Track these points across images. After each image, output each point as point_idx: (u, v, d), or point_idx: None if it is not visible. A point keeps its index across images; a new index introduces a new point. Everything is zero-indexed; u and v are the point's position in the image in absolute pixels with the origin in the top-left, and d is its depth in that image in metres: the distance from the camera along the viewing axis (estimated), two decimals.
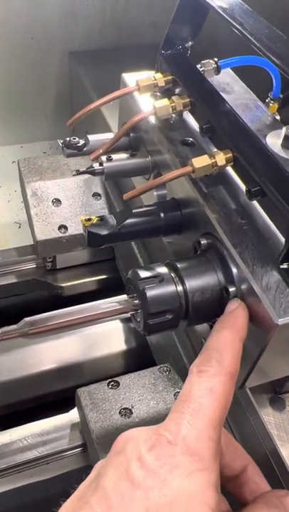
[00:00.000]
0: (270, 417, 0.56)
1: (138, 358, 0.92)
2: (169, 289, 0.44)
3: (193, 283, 0.45)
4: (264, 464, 0.56)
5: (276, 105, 0.65)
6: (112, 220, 0.52)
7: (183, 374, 0.71)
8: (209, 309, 0.46)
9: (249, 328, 0.44)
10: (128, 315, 0.46)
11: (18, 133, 1.35)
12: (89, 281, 1.02)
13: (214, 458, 0.34)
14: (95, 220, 0.52)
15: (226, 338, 0.40)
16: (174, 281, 0.45)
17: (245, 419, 0.59)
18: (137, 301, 0.45)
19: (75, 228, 0.89)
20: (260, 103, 0.62)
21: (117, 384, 0.71)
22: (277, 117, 0.66)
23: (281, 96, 0.65)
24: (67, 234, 0.89)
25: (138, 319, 0.46)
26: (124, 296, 0.46)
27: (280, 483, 0.54)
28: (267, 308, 0.40)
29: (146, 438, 0.34)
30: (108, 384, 0.71)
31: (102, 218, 0.52)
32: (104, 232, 0.51)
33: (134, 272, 0.45)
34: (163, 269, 0.46)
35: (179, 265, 0.46)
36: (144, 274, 0.45)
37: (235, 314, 0.42)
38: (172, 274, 0.45)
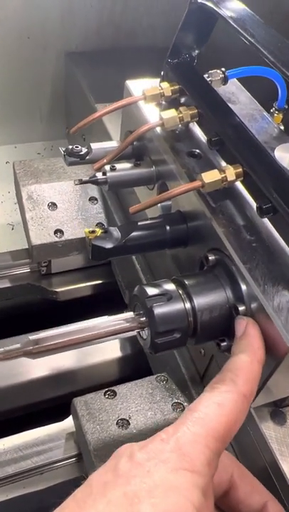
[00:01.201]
0: (270, 431, 0.56)
1: (133, 365, 0.91)
2: (178, 307, 0.43)
3: (201, 300, 0.44)
4: (264, 478, 0.55)
5: (280, 116, 0.65)
6: (116, 233, 0.51)
7: (181, 384, 0.70)
8: (218, 327, 0.45)
9: None
10: (134, 332, 0.45)
11: (13, 133, 1.33)
12: (84, 286, 1.01)
13: (207, 465, 0.33)
14: (99, 232, 0.51)
15: (243, 360, 0.40)
16: (182, 299, 0.44)
17: (246, 433, 0.58)
18: (143, 319, 0.44)
19: (71, 233, 0.88)
20: (266, 113, 0.61)
21: (114, 393, 0.70)
22: (282, 127, 0.65)
23: (286, 106, 0.64)
24: (63, 238, 0.88)
25: (144, 337, 0.45)
26: (130, 314, 0.44)
27: (281, 498, 0.53)
28: (280, 330, 0.40)
29: (140, 442, 0.35)
30: (105, 393, 0.70)
31: (106, 231, 0.51)
32: (108, 245, 0.50)
33: (141, 289, 0.44)
34: (170, 286, 0.45)
35: (186, 282, 0.45)
36: (151, 291, 0.44)
37: (250, 336, 0.41)
38: (180, 291, 0.45)
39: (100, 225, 0.91)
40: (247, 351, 0.40)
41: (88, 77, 1.14)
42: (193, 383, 0.70)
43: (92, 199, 0.93)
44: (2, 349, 0.40)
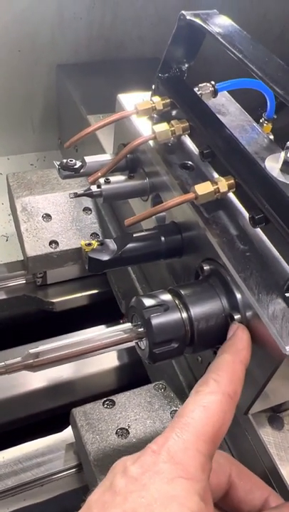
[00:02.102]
0: (269, 436, 0.56)
1: (131, 373, 0.92)
2: (175, 317, 0.44)
3: (197, 310, 0.45)
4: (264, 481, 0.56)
5: (270, 125, 0.66)
6: (112, 245, 0.52)
7: (178, 391, 0.71)
8: (214, 336, 0.46)
9: (255, 356, 0.45)
10: (132, 343, 0.45)
11: (5, 145, 1.33)
12: (80, 296, 1.01)
13: (201, 470, 0.33)
14: (95, 244, 0.51)
15: (225, 359, 0.40)
16: (178, 309, 0.45)
17: (244, 438, 0.59)
18: (141, 330, 0.45)
19: (66, 243, 0.89)
20: (256, 124, 0.63)
21: (113, 403, 0.70)
22: (271, 137, 0.67)
23: (275, 116, 0.65)
24: (58, 249, 0.88)
25: (142, 347, 0.46)
26: (128, 325, 0.45)
27: None
28: (274, 338, 0.41)
29: (133, 455, 0.35)
30: (103, 403, 0.70)
31: (102, 243, 0.52)
32: (105, 257, 0.51)
33: (139, 300, 0.45)
34: (167, 297, 0.45)
35: (182, 292, 0.46)
36: (148, 302, 0.44)
37: (234, 337, 0.42)
38: (176, 301, 0.45)
39: (94, 235, 0.92)
40: (229, 351, 0.41)
41: (79, 88, 1.15)
42: (190, 390, 0.71)
43: (86, 209, 0.94)
44: (3, 363, 0.41)
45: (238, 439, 0.61)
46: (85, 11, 1.16)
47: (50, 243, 0.88)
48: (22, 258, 0.91)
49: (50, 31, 1.17)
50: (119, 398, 0.70)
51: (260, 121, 0.66)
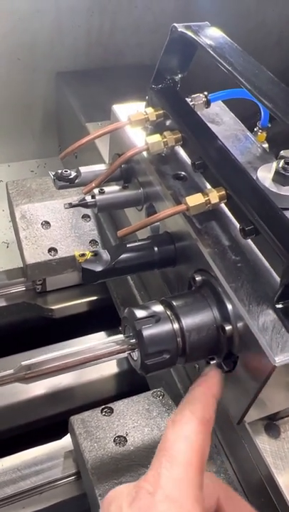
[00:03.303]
0: (265, 445, 0.56)
1: (130, 380, 0.92)
2: (166, 328, 0.44)
3: (189, 321, 0.45)
4: (260, 491, 0.56)
5: (264, 134, 0.66)
6: (106, 256, 0.52)
7: (177, 399, 0.71)
8: (206, 346, 0.46)
9: (247, 367, 0.45)
10: (125, 354, 0.46)
11: (5, 152, 1.34)
12: (79, 302, 1.01)
13: (196, 502, 0.34)
14: (89, 255, 0.52)
15: (198, 391, 0.42)
16: (170, 320, 0.45)
17: (241, 447, 0.59)
18: (133, 341, 0.45)
19: (65, 251, 0.89)
20: (249, 134, 0.63)
21: (111, 410, 0.70)
22: (265, 145, 0.67)
23: (269, 125, 0.66)
24: (57, 256, 0.89)
25: (135, 358, 0.46)
26: (120, 336, 0.46)
27: (277, 511, 0.54)
28: (264, 349, 0.41)
29: (128, 493, 0.35)
30: (102, 411, 0.70)
31: (96, 253, 0.52)
32: (98, 268, 0.51)
33: (130, 312, 0.45)
34: (159, 308, 0.46)
35: (174, 303, 0.46)
36: (140, 313, 0.45)
37: (208, 374, 0.45)
38: (168, 312, 0.46)
39: (93, 242, 0.92)
40: (203, 385, 0.43)
41: (78, 96, 1.16)
42: None
43: (84, 217, 0.94)
44: None
45: (234, 447, 0.61)
46: (84, 19, 1.17)
47: (49, 250, 0.89)
48: (22, 265, 0.91)
49: (49, 39, 1.18)
50: (118, 406, 0.70)
51: (255, 129, 0.66)
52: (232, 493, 0.43)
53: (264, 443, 0.56)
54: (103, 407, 0.70)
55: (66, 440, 0.74)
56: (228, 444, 0.63)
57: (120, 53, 1.25)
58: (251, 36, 1.28)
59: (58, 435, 0.76)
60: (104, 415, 0.70)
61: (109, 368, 0.93)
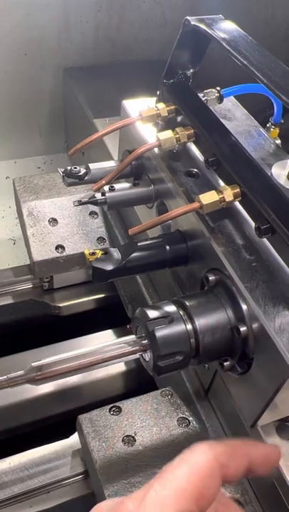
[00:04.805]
0: None
1: (138, 379, 0.91)
2: (179, 329, 0.43)
3: (203, 322, 0.44)
4: (271, 493, 0.55)
5: (277, 130, 0.65)
6: (116, 254, 0.51)
7: (185, 398, 0.70)
8: (220, 348, 0.45)
9: (262, 369, 0.44)
10: (137, 355, 0.45)
11: (12, 148, 1.34)
12: (87, 300, 1.01)
13: None
14: (99, 254, 0.51)
15: (240, 442, 0.39)
16: (183, 321, 0.44)
17: None
18: (145, 342, 0.44)
19: (72, 248, 0.88)
20: (262, 129, 0.62)
21: (119, 410, 0.69)
22: (278, 141, 0.66)
23: (282, 121, 0.64)
24: (64, 254, 0.88)
25: (147, 359, 0.45)
26: (132, 337, 0.45)
27: None
28: (281, 352, 0.40)
29: (111, 506, 0.33)
30: (110, 410, 0.69)
31: (106, 252, 0.51)
32: (109, 267, 0.50)
33: (143, 312, 0.44)
34: (172, 308, 0.45)
35: (187, 303, 0.45)
36: (152, 314, 0.44)
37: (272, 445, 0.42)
38: (181, 313, 0.45)
39: (100, 239, 0.91)
40: (251, 444, 0.42)
41: (86, 92, 1.15)
42: (198, 397, 0.70)
43: (92, 213, 0.93)
44: (5, 377, 0.40)
45: None
46: (91, 14, 1.16)
47: (57, 248, 0.88)
48: (29, 262, 0.91)
49: (56, 35, 1.17)
50: (126, 405, 0.69)
51: (267, 125, 0.65)
52: (226, 500, 0.41)
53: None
54: (111, 406, 0.69)
55: (74, 439, 0.74)
56: None
57: (128, 49, 1.24)
58: (259, 32, 1.27)
59: (65, 433, 0.75)
60: (113, 414, 0.69)
61: (117, 366, 0.92)
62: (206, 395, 0.68)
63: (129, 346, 0.44)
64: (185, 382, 0.71)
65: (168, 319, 0.43)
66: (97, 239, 0.90)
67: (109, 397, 0.87)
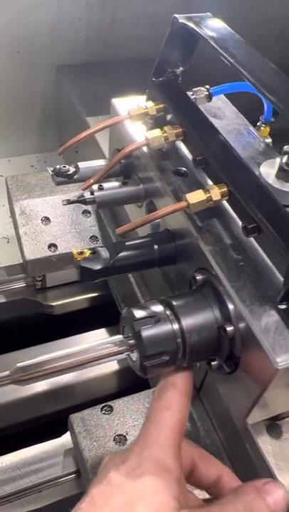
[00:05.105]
0: (267, 445, 0.55)
1: (131, 378, 0.91)
2: (166, 329, 0.43)
3: (189, 322, 0.44)
4: None
5: (267, 129, 0.65)
6: (104, 254, 0.51)
7: None
8: (207, 348, 0.45)
9: (249, 368, 0.44)
10: (123, 355, 0.45)
11: (5, 146, 1.33)
12: (80, 299, 1.00)
13: (176, 460, 0.41)
14: (87, 253, 0.51)
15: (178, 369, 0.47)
16: (170, 321, 0.44)
17: (242, 447, 0.58)
18: (132, 341, 0.44)
19: (65, 247, 0.88)
20: (252, 128, 0.62)
21: (111, 409, 0.69)
22: (268, 140, 0.65)
23: (273, 119, 0.64)
24: (57, 253, 0.88)
25: (134, 359, 0.45)
26: (119, 337, 0.44)
27: None
28: (267, 351, 0.40)
29: (121, 454, 0.42)
30: (101, 409, 0.69)
31: (94, 251, 0.51)
32: (97, 266, 0.50)
33: (129, 312, 0.44)
34: (158, 308, 0.45)
35: (174, 303, 0.45)
36: (139, 314, 0.43)
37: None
38: (168, 312, 0.44)
39: (93, 238, 0.91)
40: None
41: (78, 90, 1.15)
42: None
43: (85, 212, 0.93)
44: None
45: (236, 447, 0.60)
46: (84, 12, 1.15)
47: (49, 246, 0.88)
48: (22, 261, 0.90)
49: (48, 32, 1.16)
50: (118, 404, 0.69)
51: (258, 124, 0.65)
52: (203, 452, 0.50)
53: (266, 443, 0.55)
54: (103, 405, 0.69)
55: (66, 438, 0.74)
56: (229, 444, 0.62)
57: (121, 46, 1.23)
58: (253, 29, 1.26)
59: (58, 433, 0.75)
60: (104, 413, 0.69)
61: (110, 365, 0.92)
62: (197, 393, 0.68)
63: (115, 346, 0.44)
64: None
65: (154, 319, 0.43)
66: (90, 237, 0.90)
67: (102, 396, 0.87)
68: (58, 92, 1.25)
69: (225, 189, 0.47)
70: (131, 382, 0.90)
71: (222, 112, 0.62)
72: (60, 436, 0.75)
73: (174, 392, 0.44)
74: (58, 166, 0.60)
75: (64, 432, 0.74)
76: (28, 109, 1.30)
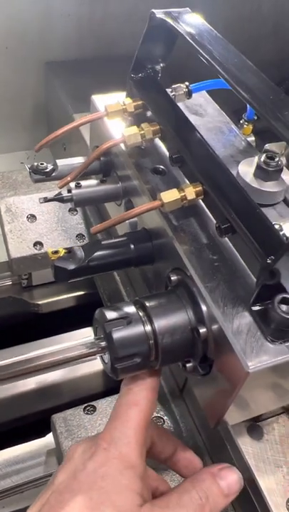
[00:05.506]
0: (247, 447, 0.55)
1: None
2: (137, 331, 0.42)
3: (162, 323, 0.43)
4: (242, 493, 0.54)
5: (250, 127, 0.64)
6: (80, 253, 0.50)
7: (160, 397, 0.69)
8: (181, 350, 0.44)
9: (223, 370, 0.43)
10: (96, 357, 0.44)
11: None
12: (66, 297, 1.00)
13: (140, 457, 0.42)
14: (62, 252, 0.50)
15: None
16: (142, 322, 0.43)
17: (223, 448, 0.57)
18: (104, 343, 0.43)
19: (51, 245, 0.87)
20: (234, 126, 0.61)
21: (94, 409, 0.69)
22: (251, 139, 0.65)
23: (255, 118, 0.63)
24: (42, 251, 0.87)
25: (106, 361, 0.44)
26: (90, 338, 0.44)
27: None
28: (238, 354, 0.39)
29: (88, 447, 0.43)
30: (84, 409, 0.69)
31: (69, 251, 0.50)
32: (71, 266, 0.49)
33: (101, 313, 0.43)
34: (131, 309, 0.44)
35: (147, 304, 0.44)
36: (111, 315, 0.43)
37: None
38: (140, 313, 0.44)
39: (80, 236, 0.90)
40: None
41: (67, 86, 1.14)
42: (172, 396, 0.70)
43: (71, 210, 0.92)
44: None
45: (217, 448, 0.60)
46: (74, 7, 1.14)
47: (35, 244, 0.87)
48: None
49: (38, 28, 1.15)
50: (101, 404, 0.69)
51: (241, 122, 0.64)
52: (161, 429, 0.53)
53: (246, 445, 0.55)
54: (86, 405, 0.69)
55: (49, 438, 0.73)
56: (211, 445, 0.62)
57: (112, 43, 1.22)
58: (245, 25, 1.25)
59: (43, 432, 0.75)
60: (87, 413, 0.68)
61: (97, 363, 0.91)
62: (180, 394, 0.68)
63: (87, 348, 0.43)
64: (161, 382, 0.70)
65: (126, 320, 0.42)
66: (77, 235, 0.89)
67: (89, 395, 0.86)
68: (47, 89, 1.24)
69: (200, 188, 0.46)
70: (118, 381, 0.90)
71: (203, 109, 0.61)
72: (44, 435, 0.74)
73: (142, 388, 0.45)
74: (35, 164, 0.59)
75: (48, 432, 0.73)
76: (18, 106, 1.29)
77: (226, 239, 0.47)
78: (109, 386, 0.90)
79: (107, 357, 0.44)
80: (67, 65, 1.21)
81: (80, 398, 0.83)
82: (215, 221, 0.47)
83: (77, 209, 0.92)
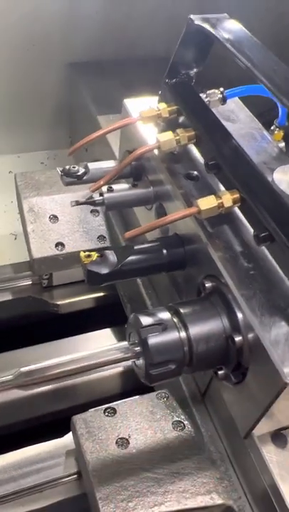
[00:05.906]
0: (271, 455, 0.55)
1: (135, 379, 0.90)
2: (173, 337, 0.42)
3: (197, 330, 0.43)
4: (265, 500, 0.54)
5: (281, 133, 0.64)
6: (112, 257, 0.50)
7: (181, 401, 0.69)
8: (214, 357, 0.44)
9: (258, 379, 0.43)
10: (129, 362, 0.44)
11: (16, 142, 1.32)
12: (86, 298, 1.00)
13: None
14: (94, 256, 0.50)
15: None
16: (177, 329, 0.43)
17: (246, 455, 0.57)
18: (138, 349, 0.43)
19: (73, 246, 0.87)
20: (266, 132, 0.60)
21: (114, 411, 0.69)
22: (282, 144, 0.64)
23: (287, 123, 0.63)
24: (64, 251, 0.87)
25: (139, 366, 0.44)
26: (124, 343, 0.44)
27: None
28: (275, 364, 0.39)
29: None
30: (104, 411, 0.69)
31: (102, 255, 0.50)
32: (104, 270, 0.49)
33: (136, 318, 0.43)
34: (166, 315, 0.44)
35: (182, 310, 0.44)
36: (146, 320, 0.43)
37: None
38: (175, 320, 0.44)
39: (101, 237, 0.90)
40: None
41: (91, 87, 1.14)
42: (194, 401, 0.69)
43: (93, 211, 0.92)
44: None
45: (240, 455, 0.60)
46: (98, 9, 1.14)
47: (57, 245, 0.87)
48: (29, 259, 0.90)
49: (62, 29, 1.15)
50: (121, 406, 0.69)
51: (272, 128, 0.64)
52: None
53: (270, 453, 0.54)
54: (106, 407, 0.69)
55: (68, 438, 0.73)
56: (234, 452, 0.62)
57: (134, 44, 1.22)
58: (270, 30, 1.24)
59: (60, 432, 0.75)
60: (107, 416, 0.68)
61: (114, 365, 0.91)
62: (202, 398, 0.67)
63: (121, 353, 0.43)
64: (182, 385, 0.70)
65: (161, 326, 0.42)
66: (98, 237, 0.89)
67: (106, 397, 0.86)
68: (71, 89, 1.24)
69: (237, 195, 0.46)
70: (135, 383, 0.90)
71: (235, 115, 0.61)
72: (62, 435, 0.74)
73: None
74: (67, 167, 0.60)
75: (66, 432, 0.73)
76: (40, 106, 1.29)
77: (262, 248, 0.47)
78: (127, 388, 0.90)
79: (140, 362, 0.44)
80: (91, 65, 1.21)
81: (97, 400, 0.83)
82: (251, 229, 0.47)
83: (99, 211, 0.92)
